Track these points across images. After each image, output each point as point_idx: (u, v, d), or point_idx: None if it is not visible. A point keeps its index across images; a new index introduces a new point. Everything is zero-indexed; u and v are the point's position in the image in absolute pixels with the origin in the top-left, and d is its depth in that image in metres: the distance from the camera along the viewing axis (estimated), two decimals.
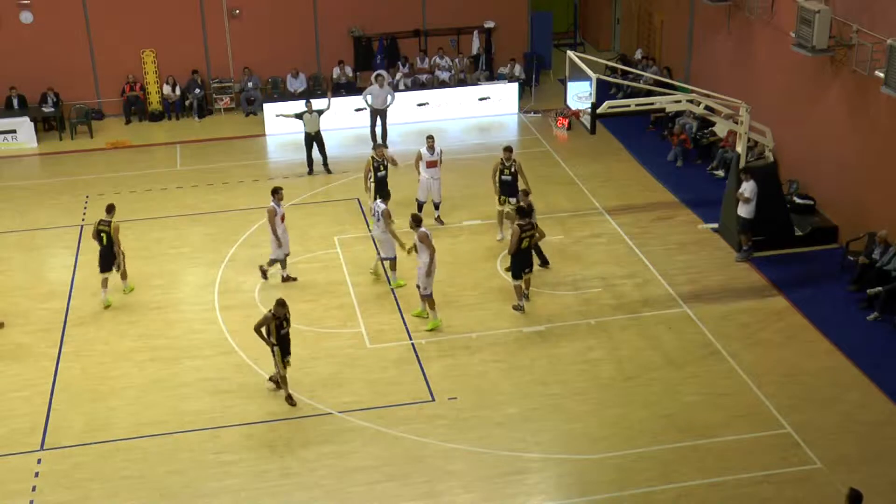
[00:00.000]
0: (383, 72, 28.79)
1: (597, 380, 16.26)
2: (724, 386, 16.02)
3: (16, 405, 15.94)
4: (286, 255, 19.15)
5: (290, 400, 15.69)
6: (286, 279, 19.28)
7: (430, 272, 17.24)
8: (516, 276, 17.95)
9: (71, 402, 15.96)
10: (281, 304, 15.37)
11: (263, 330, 15.37)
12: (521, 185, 19.89)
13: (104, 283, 18.63)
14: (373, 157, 20.76)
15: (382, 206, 18.60)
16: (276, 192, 18.92)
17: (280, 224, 18.79)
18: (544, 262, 19.39)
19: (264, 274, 19.35)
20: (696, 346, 17.12)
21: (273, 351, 15.48)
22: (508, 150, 20.26)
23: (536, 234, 17.84)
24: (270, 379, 16.06)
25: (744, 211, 19.42)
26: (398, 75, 28.95)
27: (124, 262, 18.90)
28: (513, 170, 20.08)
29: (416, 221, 17.41)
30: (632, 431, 14.97)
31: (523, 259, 17.79)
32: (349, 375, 16.42)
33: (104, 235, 18.37)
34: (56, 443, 15.01)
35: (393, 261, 18.84)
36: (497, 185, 20.24)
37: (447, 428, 15.11)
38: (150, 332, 17.91)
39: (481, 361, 16.81)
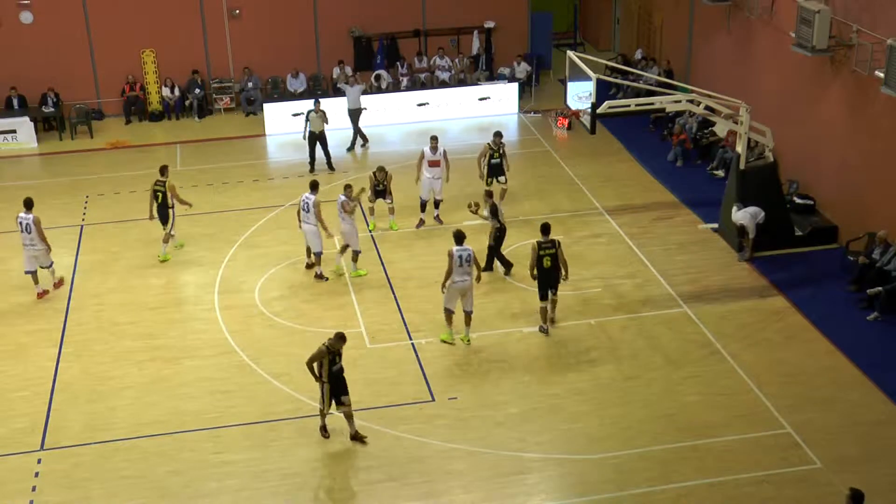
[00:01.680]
0: (383, 71, 28.88)
1: (597, 380, 16.26)
2: (724, 386, 16.02)
3: (16, 405, 15.95)
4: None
5: (323, 431, 14.92)
6: (310, 266, 19.67)
7: (444, 289, 16.94)
8: (542, 297, 17.35)
9: (71, 402, 15.96)
10: (340, 337, 14.35)
11: (315, 365, 14.32)
12: (503, 165, 21.52)
13: (165, 238, 20.28)
14: (374, 174, 21.03)
15: (342, 197, 18.94)
16: (316, 186, 19.38)
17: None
18: (508, 268, 19.35)
19: (322, 276, 19.45)
20: (696, 346, 17.12)
21: (322, 389, 14.53)
22: (499, 135, 21.55)
23: (560, 255, 17.11)
24: (353, 437, 14.89)
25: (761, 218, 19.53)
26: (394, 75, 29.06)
27: (173, 223, 20.23)
28: (501, 153, 21.43)
29: (456, 237, 16.95)
30: (632, 431, 14.98)
31: (547, 279, 17.22)
32: (349, 375, 16.28)
33: (160, 195, 20.00)
34: (56, 443, 15.01)
35: (351, 250, 19.31)
36: (484, 168, 21.49)
37: (447, 428, 15.12)
38: (150, 332, 17.92)
39: (481, 361, 16.81)
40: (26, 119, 26.90)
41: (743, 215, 19.47)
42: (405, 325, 17.90)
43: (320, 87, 29.09)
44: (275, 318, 18.19)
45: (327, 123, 24.47)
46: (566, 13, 33.62)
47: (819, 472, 14.01)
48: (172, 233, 20.35)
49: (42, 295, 19.14)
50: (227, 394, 16.10)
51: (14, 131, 26.75)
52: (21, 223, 18.86)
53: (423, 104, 28.07)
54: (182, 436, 15.11)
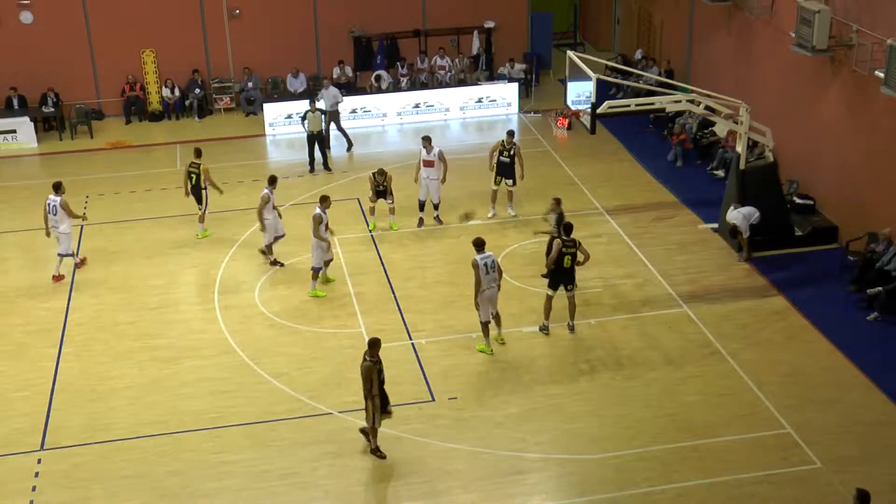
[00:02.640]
0: (383, 72, 28.88)
1: (597, 380, 16.26)
2: (724, 386, 16.02)
3: (16, 405, 15.94)
4: (279, 238, 19.96)
5: (378, 453, 14.45)
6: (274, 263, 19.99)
7: (477, 300, 16.64)
8: (553, 286, 17.22)
9: (71, 402, 15.96)
10: (373, 343, 13.98)
11: (371, 385, 13.93)
12: (518, 171, 21.28)
13: (201, 217, 21.30)
14: (374, 175, 21.02)
15: (316, 210, 18.52)
16: (273, 182, 19.75)
17: (272, 211, 19.62)
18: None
19: (277, 262, 19.94)
20: (696, 346, 17.12)
21: (373, 403, 14.08)
22: (511, 134, 21.46)
23: (580, 255, 17.03)
24: (362, 430, 14.72)
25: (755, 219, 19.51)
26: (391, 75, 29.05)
27: (207, 206, 21.13)
28: (511, 153, 21.14)
29: (476, 245, 16.75)
30: (632, 431, 14.98)
31: (563, 276, 17.14)
32: (349, 375, 16.39)
33: (193, 176, 20.92)
34: (56, 443, 15.00)
35: (316, 271, 18.81)
36: (494, 164, 21.23)
37: (447, 428, 15.12)
38: (150, 332, 17.92)
39: (481, 361, 16.81)
40: (26, 119, 26.90)
41: (736, 215, 19.47)
42: (405, 325, 17.90)
43: (320, 88, 29.06)
44: (275, 318, 18.20)
45: (327, 117, 24.51)
46: (566, 13, 33.63)
47: (819, 472, 14.01)
48: (207, 213, 21.27)
49: (57, 278, 19.73)
50: (227, 394, 16.10)
51: (14, 131, 26.74)
52: (49, 205, 19.59)
53: (423, 104, 28.05)
54: (182, 436, 15.11)
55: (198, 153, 21.18)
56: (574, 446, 14.69)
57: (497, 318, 17.09)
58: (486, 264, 16.50)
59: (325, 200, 18.72)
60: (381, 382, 14.14)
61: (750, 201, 19.68)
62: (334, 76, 28.99)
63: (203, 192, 20.90)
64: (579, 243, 17.13)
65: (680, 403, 15.61)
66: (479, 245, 16.67)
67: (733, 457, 14.37)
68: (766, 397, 15.64)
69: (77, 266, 19.97)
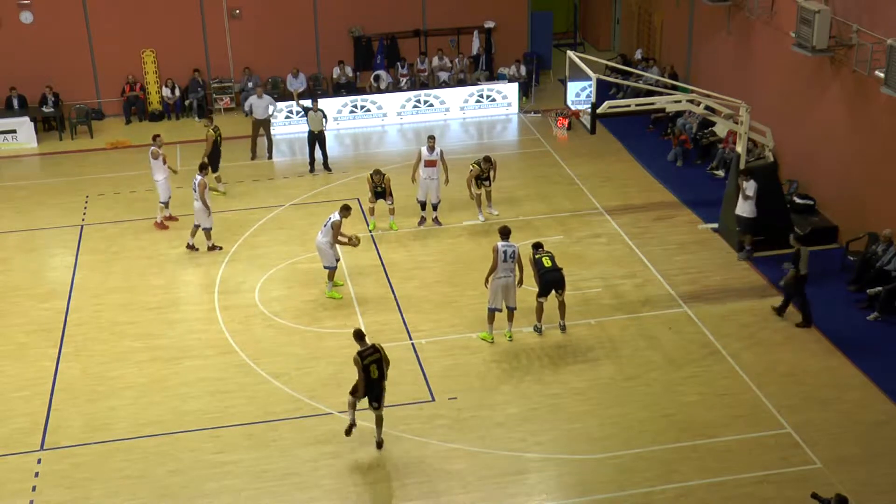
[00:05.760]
0: (382, 72, 28.80)
1: (597, 380, 16.26)
2: (724, 386, 16.02)
3: (16, 405, 15.94)
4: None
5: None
6: (190, 248, 20.72)
7: (488, 280, 16.90)
8: (543, 294, 17.19)
9: (71, 402, 15.96)
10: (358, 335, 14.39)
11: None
12: (491, 174, 21.58)
13: (217, 179, 23.26)
14: (371, 177, 21.07)
15: (336, 216, 18.38)
16: (204, 168, 20.69)
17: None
18: (782, 310, 17.89)
19: (215, 247, 20.64)
20: (696, 346, 17.12)
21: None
22: (487, 160, 21.40)
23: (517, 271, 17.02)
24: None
25: (746, 210, 19.40)
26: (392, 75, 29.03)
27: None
28: (489, 176, 21.44)
29: (500, 233, 17.07)
30: (632, 431, 14.98)
31: (552, 278, 17.12)
32: (349, 375, 16.32)
33: (219, 139, 23.14)
34: (56, 443, 15.01)
35: (332, 270, 18.73)
36: (473, 187, 21.43)
37: (447, 428, 15.12)
38: (150, 332, 17.92)
39: (481, 361, 16.81)
40: (26, 119, 26.87)
41: (750, 209, 19.36)
42: (405, 325, 17.90)
43: (320, 87, 29.11)
44: (275, 318, 18.19)
45: (326, 120, 24.51)
46: (566, 13, 33.63)
47: (819, 472, 14.01)
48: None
49: (159, 225, 21.74)
50: (227, 394, 16.10)
51: (14, 131, 26.72)
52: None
53: (421, 103, 28.05)
54: (182, 436, 15.11)
55: (210, 119, 23.56)
56: (574, 446, 14.69)
57: (511, 313, 17.16)
58: (505, 252, 16.71)
59: (346, 210, 18.55)
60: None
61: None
62: (334, 76, 29.00)
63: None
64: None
65: (680, 403, 15.62)
66: (504, 233, 17.02)
67: (733, 457, 14.38)
68: (766, 397, 15.64)
69: (166, 218, 21.76)
